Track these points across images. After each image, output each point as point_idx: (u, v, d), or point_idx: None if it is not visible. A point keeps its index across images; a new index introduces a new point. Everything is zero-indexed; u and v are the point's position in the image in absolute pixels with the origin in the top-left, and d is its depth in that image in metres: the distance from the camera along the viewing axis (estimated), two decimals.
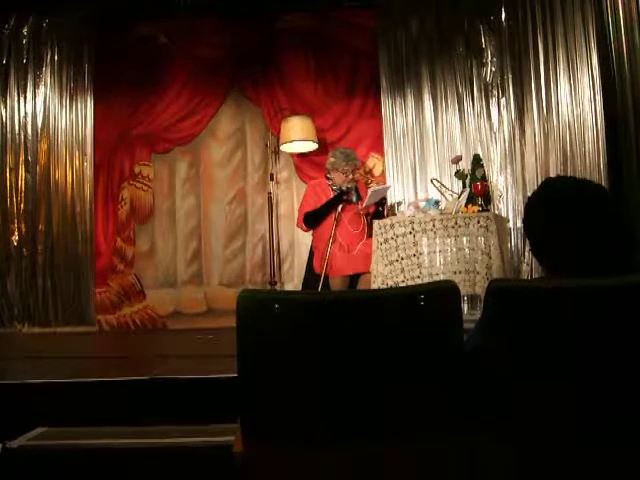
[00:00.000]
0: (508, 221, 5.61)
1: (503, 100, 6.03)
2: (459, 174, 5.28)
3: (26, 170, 6.26)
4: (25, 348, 5.21)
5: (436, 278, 4.39)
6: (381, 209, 5.27)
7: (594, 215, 1.64)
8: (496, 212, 5.60)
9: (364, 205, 5.18)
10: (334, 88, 6.41)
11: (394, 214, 5.59)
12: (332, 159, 5.37)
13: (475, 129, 6.11)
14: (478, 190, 4.88)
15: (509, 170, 5.98)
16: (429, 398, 1.50)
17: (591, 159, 5.12)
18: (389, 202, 5.95)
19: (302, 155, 6.30)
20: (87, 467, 2.32)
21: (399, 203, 6.10)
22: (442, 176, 5.98)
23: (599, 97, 5.09)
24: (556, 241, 1.66)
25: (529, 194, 1.81)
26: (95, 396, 3.11)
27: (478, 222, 4.42)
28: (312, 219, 5.31)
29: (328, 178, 5.41)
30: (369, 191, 5.16)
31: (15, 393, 3.12)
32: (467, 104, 6.14)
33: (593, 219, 1.63)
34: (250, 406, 1.55)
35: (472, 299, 5.45)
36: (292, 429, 1.53)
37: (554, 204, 1.67)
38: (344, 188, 5.26)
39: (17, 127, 6.29)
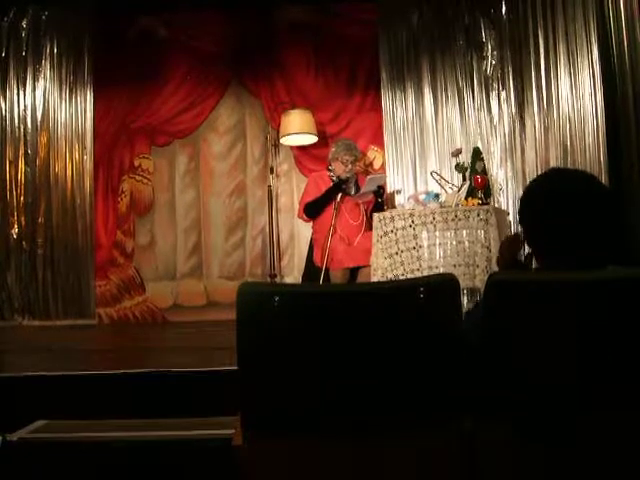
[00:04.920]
0: (508, 214, 5.60)
1: (503, 93, 6.02)
2: (459, 167, 5.28)
3: (26, 163, 6.25)
4: (25, 341, 5.22)
5: (436, 271, 4.39)
6: (380, 200, 5.28)
7: (594, 209, 1.64)
8: (496, 205, 5.59)
9: (361, 192, 5.20)
10: (334, 81, 6.40)
11: (393, 205, 5.58)
12: (333, 149, 5.43)
13: (475, 122, 6.10)
14: (478, 183, 4.88)
15: (509, 163, 5.98)
16: (429, 390, 1.51)
17: (591, 153, 5.12)
18: (388, 192, 5.96)
19: (302, 148, 6.29)
20: (87, 460, 2.32)
21: (398, 191, 6.10)
22: (442, 169, 5.98)
23: (599, 91, 5.08)
24: (554, 233, 1.66)
25: None
26: (95, 389, 3.12)
27: (478, 215, 4.42)
28: (312, 208, 5.34)
29: (329, 170, 5.44)
30: (366, 179, 5.19)
31: (15, 386, 3.13)
32: (467, 97, 6.13)
33: (593, 213, 1.64)
34: (250, 399, 1.55)
35: (472, 292, 5.44)
36: (292, 422, 1.53)
37: (555, 196, 1.67)
38: (343, 177, 5.29)
39: (17, 120, 6.28)
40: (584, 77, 5.20)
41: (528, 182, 1.87)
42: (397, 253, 4.54)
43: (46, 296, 6.19)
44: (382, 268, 4.57)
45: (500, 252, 2.11)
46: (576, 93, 5.30)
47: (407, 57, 6.26)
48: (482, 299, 1.56)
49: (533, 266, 1.88)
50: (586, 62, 5.18)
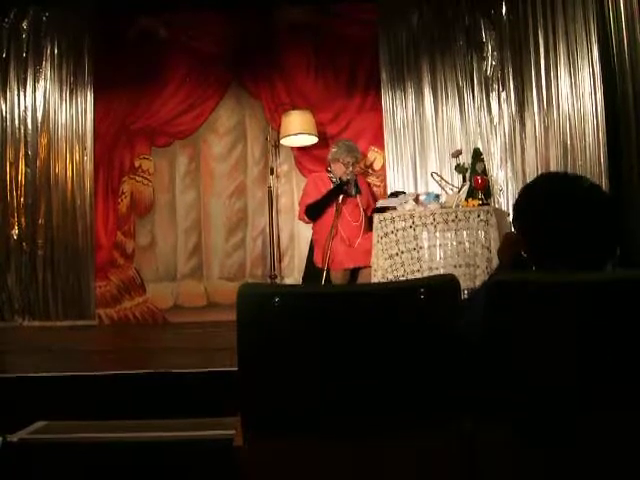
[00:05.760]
0: (508, 215, 5.59)
1: (503, 94, 6.03)
2: (459, 168, 5.28)
3: (26, 164, 6.26)
4: (26, 342, 5.22)
5: (436, 272, 4.39)
6: None
7: (593, 212, 1.65)
8: (496, 206, 5.60)
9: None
10: (334, 82, 6.40)
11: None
12: (334, 149, 5.43)
13: (475, 123, 6.10)
14: (478, 184, 4.88)
15: (509, 164, 5.99)
16: (429, 391, 1.51)
17: (591, 152, 5.11)
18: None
19: (302, 149, 6.29)
20: (87, 461, 2.32)
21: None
22: (442, 170, 5.98)
23: (599, 90, 5.07)
24: (553, 236, 1.66)
25: None
26: (95, 390, 3.12)
27: (478, 216, 4.42)
28: (313, 210, 5.34)
29: (328, 170, 5.46)
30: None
31: (15, 387, 3.13)
32: (467, 98, 6.13)
33: (592, 216, 1.64)
34: (250, 400, 1.55)
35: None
36: (292, 422, 1.53)
37: (554, 199, 1.68)
38: (344, 179, 5.30)
39: (17, 121, 6.28)
40: (584, 77, 5.20)
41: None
42: (397, 254, 4.55)
43: (46, 297, 6.19)
44: (382, 269, 4.57)
45: (499, 254, 2.12)
46: (576, 93, 5.30)
47: (407, 57, 6.27)
48: (481, 298, 1.56)
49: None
50: (586, 62, 5.17)
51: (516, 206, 1.82)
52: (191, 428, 2.47)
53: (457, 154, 5.43)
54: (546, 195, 1.72)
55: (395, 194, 5.28)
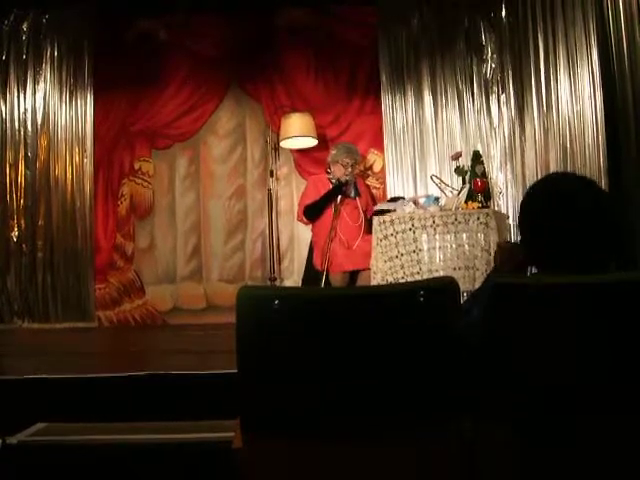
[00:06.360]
0: (508, 217, 5.61)
1: (503, 97, 6.03)
2: (459, 170, 5.28)
3: (26, 166, 6.25)
4: (25, 344, 5.22)
5: (436, 274, 4.39)
6: None
7: (596, 212, 1.65)
8: (496, 208, 5.59)
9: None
10: (334, 84, 6.41)
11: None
12: (333, 152, 5.46)
13: (475, 126, 6.11)
14: (478, 186, 4.88)
15: (509, 166, 5.99)
16: (429, 391, 1.51)
17: (591, 156, 5.11)
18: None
19: (302, 151, 6.29)
20: (87, 463, 2.32)
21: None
22: (442, 172, 5.97)
23: (599, 94, 5.07)
24: (557, 236, 1.66)
25: None
26: (95, 392, 3.12)
27: (478, 218, 4.42)
28: (312, 210, 5.37)
29: (328, 172, 5.48)
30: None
31: (15, 389, 3.13)
32: (467, 101, 6.14)
33: (596, 216, 1.64)
34: (250, 402, 1.55)
35: None
36: (292, 425, 1.53)
37: (557, 198, 1.68)
38: (343, 180, 5.31)
39: (17, 123, 6.28)
40: (584, 80, 5.19)
41: (528, 186, 1.88)
42: (397, 256, 4.55)
43: (46, 299, 6.18)
44: (382, 271, 4.57)
45: (499, 261, 2.11)
46: (576, 96, 5.29)
47: (407, 60, 6.27)
48: (481, 300, 1.56)
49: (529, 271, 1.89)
50: (586, 65, 5.17)
51: (522, 206, 1.81)
52: (190, 430, 2.47)
53: (457, 156, 5.44)
54: (547, 195, 1.72)
55: (394, 199, 5.27)
